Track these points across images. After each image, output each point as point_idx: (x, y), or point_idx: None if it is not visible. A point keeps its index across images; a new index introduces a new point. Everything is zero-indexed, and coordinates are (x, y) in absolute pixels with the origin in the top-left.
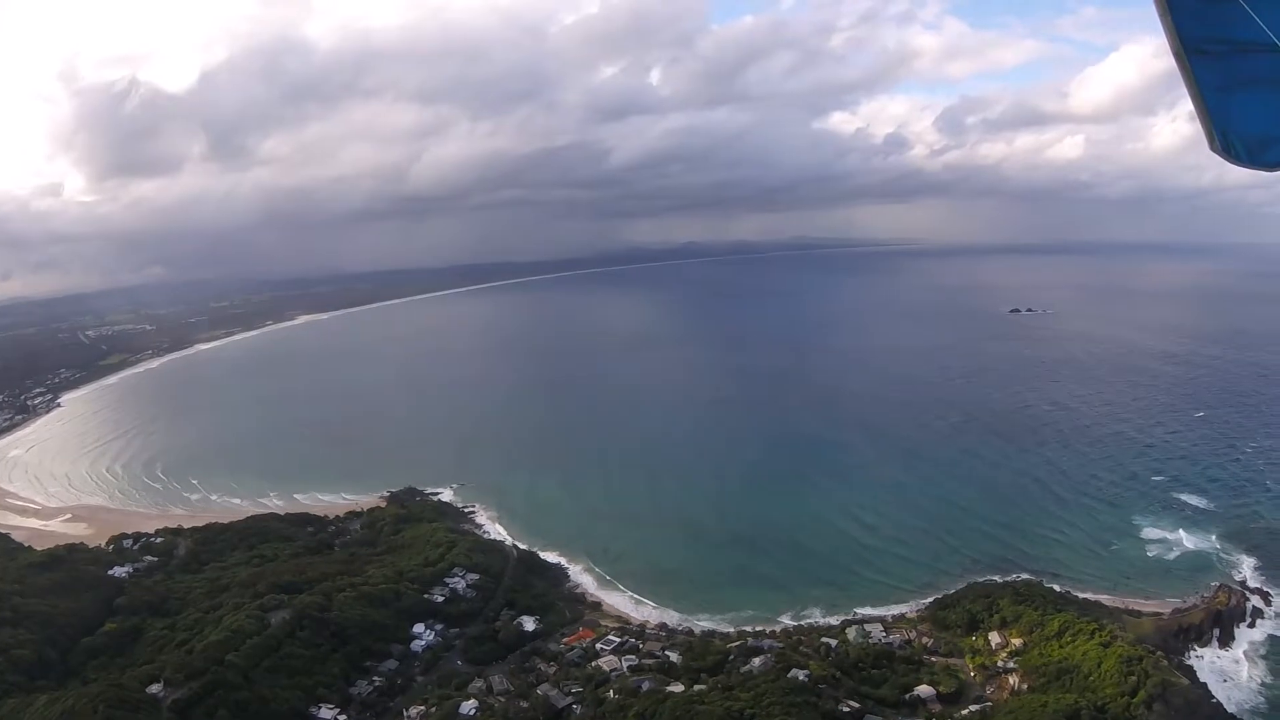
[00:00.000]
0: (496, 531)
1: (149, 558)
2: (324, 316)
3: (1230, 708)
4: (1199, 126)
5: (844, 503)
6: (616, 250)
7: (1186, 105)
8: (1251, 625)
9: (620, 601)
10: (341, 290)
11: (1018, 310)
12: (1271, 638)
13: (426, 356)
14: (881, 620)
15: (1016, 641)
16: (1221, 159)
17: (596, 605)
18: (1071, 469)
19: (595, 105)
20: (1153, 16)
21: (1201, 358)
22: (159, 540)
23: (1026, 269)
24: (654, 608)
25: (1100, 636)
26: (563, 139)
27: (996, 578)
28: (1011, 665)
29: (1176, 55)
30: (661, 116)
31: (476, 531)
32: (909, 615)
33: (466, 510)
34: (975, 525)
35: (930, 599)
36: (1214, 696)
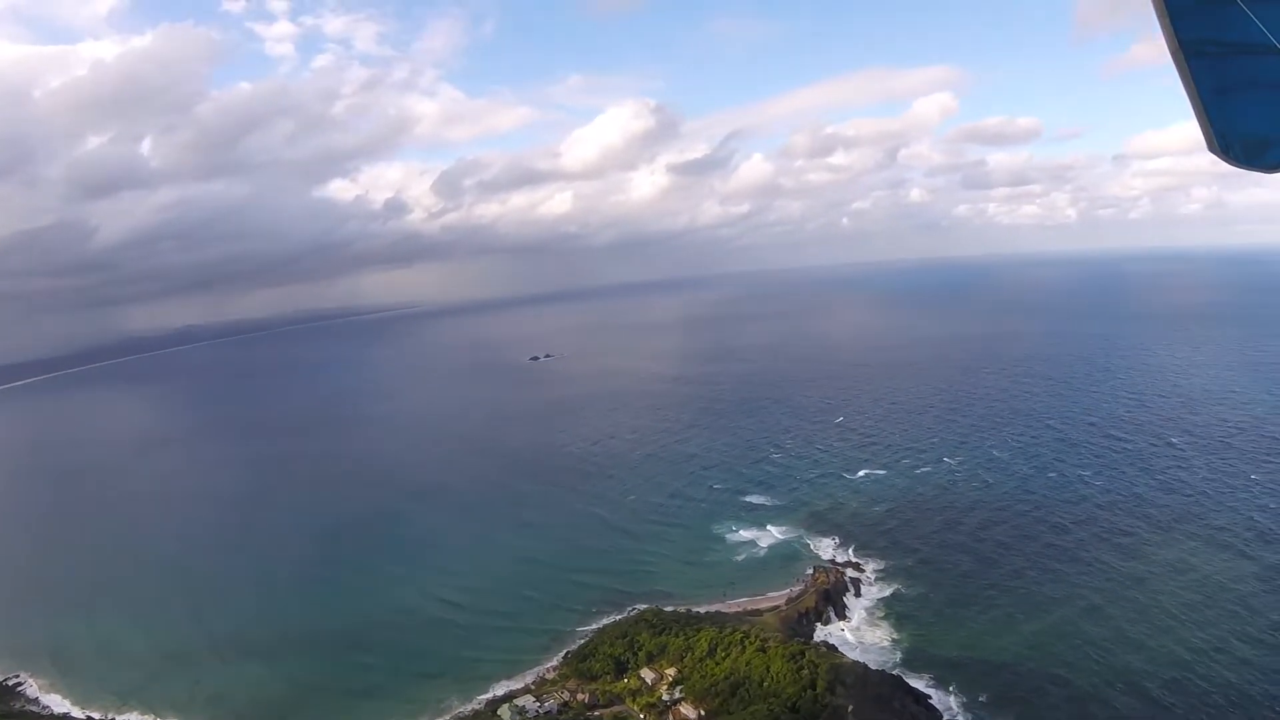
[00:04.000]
0: (57, 703)
1: None
2: None
3: (879, 668)
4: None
5: (421, 584)
6: (109, 343)
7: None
8: (858, 595)
9: None
10: None
11: (536, 357)
12: (879, 600)
13: None
14: (527, 690)
15: (670, 672)
16: (1220, 160)
17: None
18: (629, 499)
19: (81, 180)
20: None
21: (705, 376)
22: None
23: (535, 319)
24: None
25: (752, 644)
26: (44, 219)
27: (615, 616)
28: (679, 695)
29: (1175, 57)
30: (153, 191)
31: (34, 710)
32: (550, 677)
33: (11, 684)
34: (560, 576)
35: (559, 655)
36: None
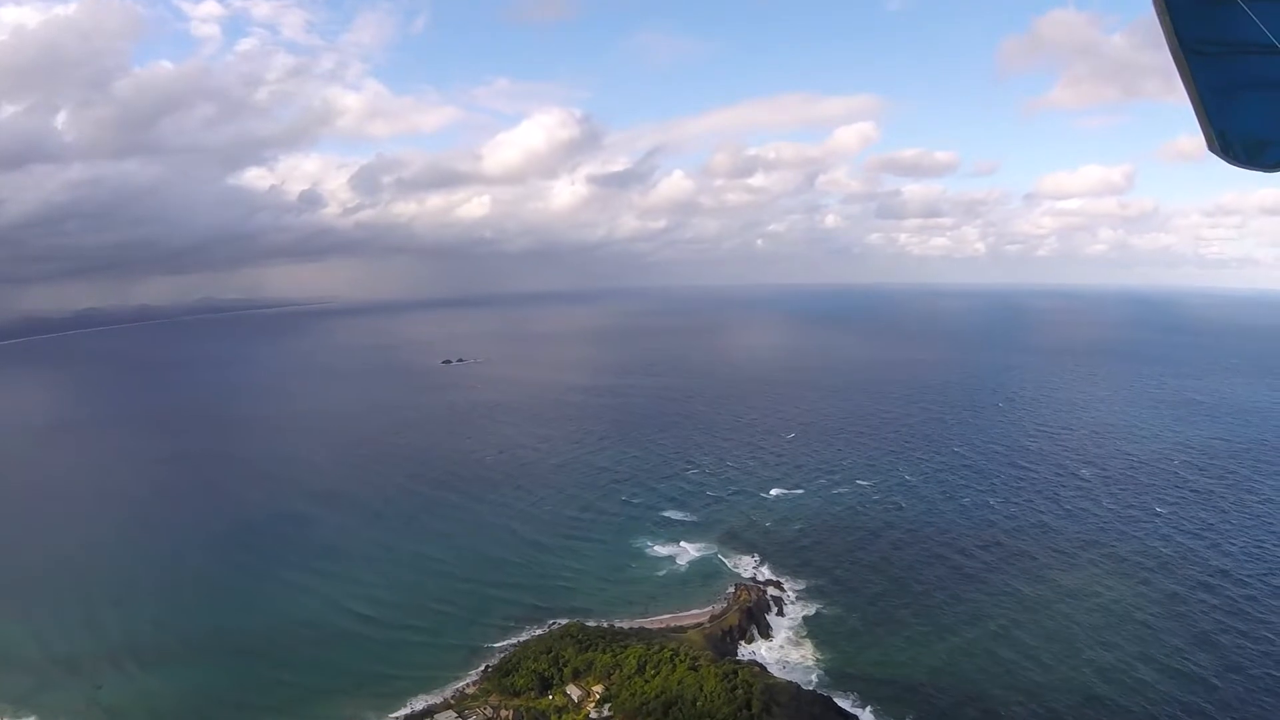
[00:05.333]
0: None
1: None
2: None
3: (808, 688)
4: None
5: (329, 594)
6: (7, 322)
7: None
8: (780, 614)
9: None
10: None
11: (449, 361)
12: (802, 618)
13: None
14: (447, 706)
15: (598, 689)
16: (1221, 159)
17: None
18: (541, 511)
19: None
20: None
21: (617, 388)
22: None
23: (447, 322)
24: None
25: (682, 662)
26: None
27: (536, 631)
28: (607, 713)
29: (1175, 56)
30: (64, 166)
31: None
32: (470, 692)
33: None
34: (475, 589)
35: (479, 670)
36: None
